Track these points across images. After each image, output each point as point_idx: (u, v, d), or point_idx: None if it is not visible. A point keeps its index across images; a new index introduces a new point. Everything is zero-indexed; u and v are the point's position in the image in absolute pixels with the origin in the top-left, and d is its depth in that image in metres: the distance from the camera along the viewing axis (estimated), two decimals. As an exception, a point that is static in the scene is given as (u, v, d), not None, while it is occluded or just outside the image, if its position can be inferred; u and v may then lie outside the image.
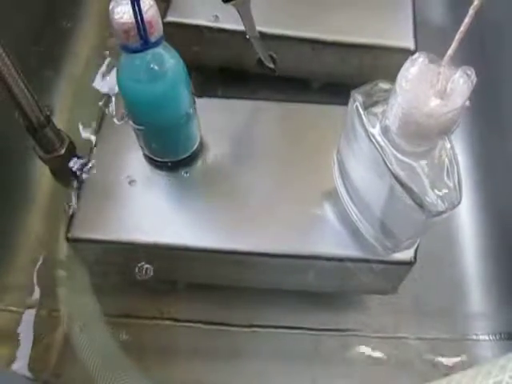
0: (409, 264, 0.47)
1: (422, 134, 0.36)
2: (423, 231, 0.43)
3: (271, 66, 0.56)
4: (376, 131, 0.38)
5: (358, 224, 0.47)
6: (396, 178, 0.38)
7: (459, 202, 0.37)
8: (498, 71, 0.62)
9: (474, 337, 0.57)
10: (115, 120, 0.53)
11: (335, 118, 0.50)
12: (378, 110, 0.39)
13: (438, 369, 0.56)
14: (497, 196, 0.63)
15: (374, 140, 0.38)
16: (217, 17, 0.56)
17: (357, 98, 0.40)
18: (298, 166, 0.51)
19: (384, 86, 0.40)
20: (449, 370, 0.55)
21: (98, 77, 0.63)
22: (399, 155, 0.38)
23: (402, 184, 0.38)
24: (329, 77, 0.59)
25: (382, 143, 0.38)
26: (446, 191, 0.37)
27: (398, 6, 0.58)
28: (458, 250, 0.62)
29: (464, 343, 0.57)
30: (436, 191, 0.37)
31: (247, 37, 0.52)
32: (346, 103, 0.42)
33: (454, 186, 0.37)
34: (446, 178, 0.37)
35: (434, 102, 0.33)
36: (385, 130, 0.38)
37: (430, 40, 0.56)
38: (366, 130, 0.39)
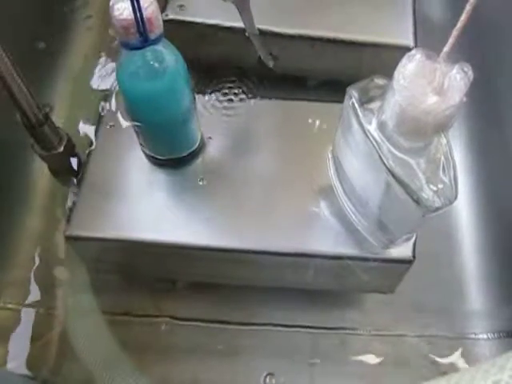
0: (408, 262, 0.47)
1: (420, 131, 0.36)
2: (419, 227, 0.43)
3: (271, 63, 0.56)
4: (372, 127, 0.38)
5: (353, 220, 0.47)
6: (392, 174, 0.38)
7: (455, 198, 0.37)
8: (496, 67, 0.62)
9: (473, 335, 0.57)
10: (114, 117, 0.53)
11: (333, 115, 0.50)
12: (373, 105, 0.39)
13: (437, 367, 0.55)
14: (496, 194, 0.63)
15: (370, 136, 0.38)
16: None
17: (353, 94, 0.40)
18: (296, 163, 0.51)
19: (380, 81, 0.40)
20: (447, 369, 0.55)
21: (98, 74, 0.63)
22: (395, 151, 0.38)
23: (398, 180, 0.38)
24: (328, 74, 0.59)
25: (379, 139, 0.38)
26: (442, 187, 0.37)
27: (398, 3, 0.58)
28: (457, 248, 0.62)
29: (462, 341, 0.57)
30: (432, 187, 0.37)
31: (246, 34, 0.52)
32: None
33: (450, 182, 0.37)
34: (441, 174, 0.37)
35: (432, 99, 0.33)
36: (381, 126, 0.38)
37: (429, 37, 0.56)
38: (362, 126, 0.39)
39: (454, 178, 0.37)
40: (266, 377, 0.55)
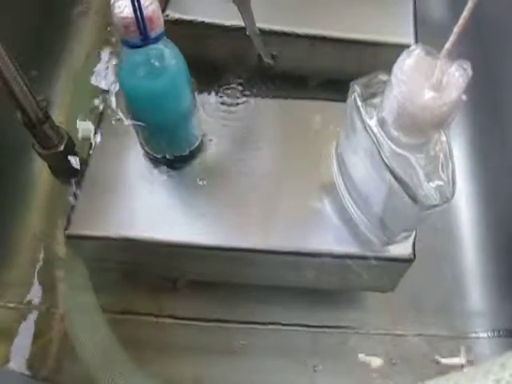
0: (408, 261, 0.47)
1: (417, 127, 0.36)
2: (417, 224, 0.43)
3: (271, 62, 0.56)
4: (373, 123, 0.38)
5: (354, 217, 0.47)
6: (390, 170, 0.38)
7: (452, 196, 0.37)
8: (497, 65, 0.62)
9: (474, 334, 0.57)
10: (115, 116, 0.53)
11: (334, 114, 0.50)
12: (376, 101, 0.39)
13: (437, 366, 0.55)
14: (496, 192, 0.63)
15: (369, 131, 0.38)
16: None
17: (355, 90, 0.40)
18: (297, 162, 0.51)
19: (383, 77, 0.39)
20: (448, 368, 0.55)
21: (98, 72, 0.63)
22: (395, 147, 0.38)
23: (395, 176, 0.38)
24: (328, 73, 0.59)
25: (378, 134, 0.38)
26: (441, 184, 0.37)
27: (399, 1, 0.58)
28: (457, 246, 0.62)
29: (463, 340, 0.57)
30: (430, 184, 0.37)
31: (247, 33, 0.52)
32: (345, 100, 0.42)
33: (448, 180, 0.37)
34: (440, 172, 0.37)
35: (429, 95, 0.33)
36: (381, 122, 0.38)
37: (430, 36, 0.56)
38: (363, 122, 0.39)
39: (452, 175, 0.37)
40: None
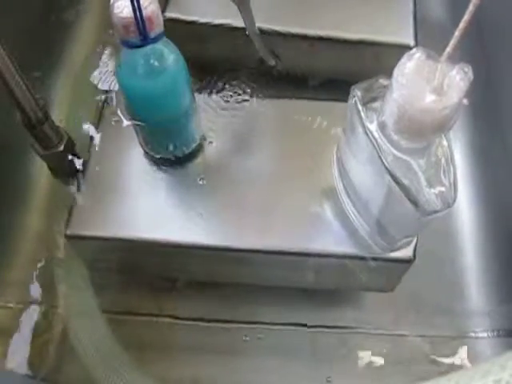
0: (408, 262, 0.47)
1: (418, 130, 0.35)
2: (418, 230, 0.43)
3: (272, 62, 0.56)
4: (373, 127, 0.38)
5: (354, 222, 0.47)
6: (391, 174, 0.38)
7: (454, 202, 0.37)
8: (499, 69, 0.62)
9: (473, 334, 0.57)
10: (115, 116, 0.53)
11: (334, 114, 0.50)
12: (376, 105, 0.39)
13: (437, 366, 0.55)
14: (497, 193, 0.63)
15: (370, 135, 0.38)
16: None
17: (356, 94, 0.40)
18: (297, 163, 0.51)
19: (384, 82, 0.39)
20: (447, 368, 0.55)
21: (98, 73, 0.63)
22: (396, 152, 0.37)
23: (396, 181, 0.37)
24: (328, 73, 0.59)
25: (379, 139, 0.38)
26: (442, 189, 0.37)
27: (399, 2, 0.58)
28: (458, 247, 0.62)
29: (463, 340, 0.57)
30: (432, 189, 0.37)
31: (247, 33, 0.52)
32: (345, 100, 0.42)
33: (450, 185, 0.37)
34: (442, 177, 0.37)
35: (430, 98, 0.33)
36: (382, 126, 0.38)
37: (430, 37, 0.56)
38: (363, 126, 0.39)
39: (453, 181, 0.37)
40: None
